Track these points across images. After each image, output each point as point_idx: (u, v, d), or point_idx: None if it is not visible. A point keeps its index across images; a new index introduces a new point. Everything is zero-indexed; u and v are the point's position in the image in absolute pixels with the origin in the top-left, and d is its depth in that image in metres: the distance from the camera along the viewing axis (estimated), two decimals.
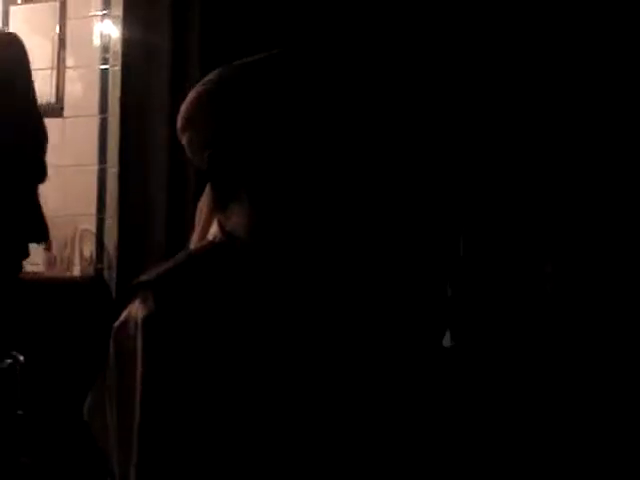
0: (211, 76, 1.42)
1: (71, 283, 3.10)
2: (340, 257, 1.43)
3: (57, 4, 3.27)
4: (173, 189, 2.94)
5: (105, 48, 3.15)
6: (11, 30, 3.36)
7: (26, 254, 1.28)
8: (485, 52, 2.70)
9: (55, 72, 3.23)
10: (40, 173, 1.29)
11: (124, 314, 1.36)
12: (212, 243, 1.43)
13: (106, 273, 3.10)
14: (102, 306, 2.98)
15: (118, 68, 3.09)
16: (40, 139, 1.29)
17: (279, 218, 1.37)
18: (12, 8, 3.37)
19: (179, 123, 1.45)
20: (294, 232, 1.37)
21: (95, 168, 3.15)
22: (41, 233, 1.27)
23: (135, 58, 3.03)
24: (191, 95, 1.43)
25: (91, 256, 3.13)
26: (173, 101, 2.92)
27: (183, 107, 1.44)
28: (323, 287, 1.41)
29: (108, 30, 3.15)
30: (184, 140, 1.45)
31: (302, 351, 1.36)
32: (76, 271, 3.16)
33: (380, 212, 2.48)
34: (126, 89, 3.05)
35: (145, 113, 3.00)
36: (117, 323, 1.36)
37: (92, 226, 3.14)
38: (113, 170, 3.09)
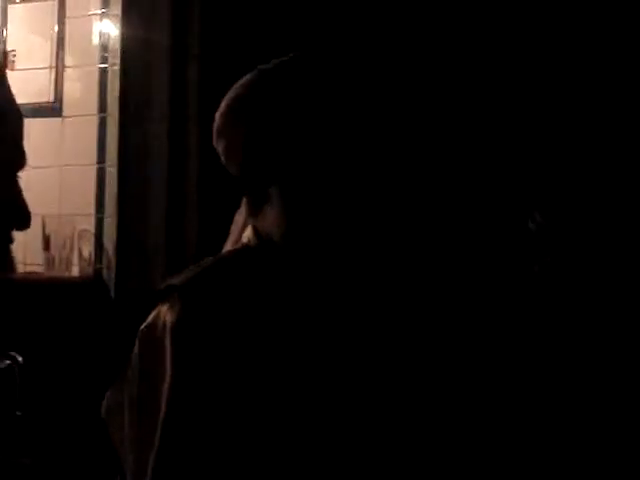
0: (241, 82, 1.44)
1: (70, 283, 3.09)
2: (373, 261, 1.42)
3: (55, 3, 3.26)
4: (172, 189, 2.93)
5: (104, 47, 3.14)
6: (10, 29, 3.35)
7: (9, 240, 1.26)
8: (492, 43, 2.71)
9: (54, 71, 3.22)
10: (19, 158, 1.28)
11: (151, 316, 1.36)
12: (245, 246, 1.43)
13: (105, 273, 3.09)
14: (101, 306, 2.98)
15: (117, 67, 3.08)
16: (17, 123, 1.28)
17: (311, 220, 1.37)
18: (10, 7, 3.36)
19: (214, 131, 1.46)
20: (326, 235, 1.37)
21: (94, 167, 3.14)
22: (23, 219, 1.25)
23: (134, 57, 3.02)
24: (223, 103, 1.45)
25: (90, 256, 3.13)
26: (172, 100, 2.92)
27: (217, 115, 1.46)
28: (356, 292, 1.40)
29: (107, 29, 3.14)
30: (220, 148, 1.46)
31: (336, 359, 1.35)
32: (75, 271, 3.15)
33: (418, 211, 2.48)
34: (125, 88, 3.04)
35: (144, 112, 2.99)
36: (144, 325, 1.36)
37: (91, 226, 3.13)
38: (112, 170, 3.08)
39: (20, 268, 3.22)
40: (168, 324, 1.32)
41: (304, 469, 1.31)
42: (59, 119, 3.22)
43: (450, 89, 2.72)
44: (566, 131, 2.57)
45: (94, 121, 3.15)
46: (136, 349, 1.36)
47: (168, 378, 1.30)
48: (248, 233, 1.44)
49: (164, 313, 1.34)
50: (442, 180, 2.70)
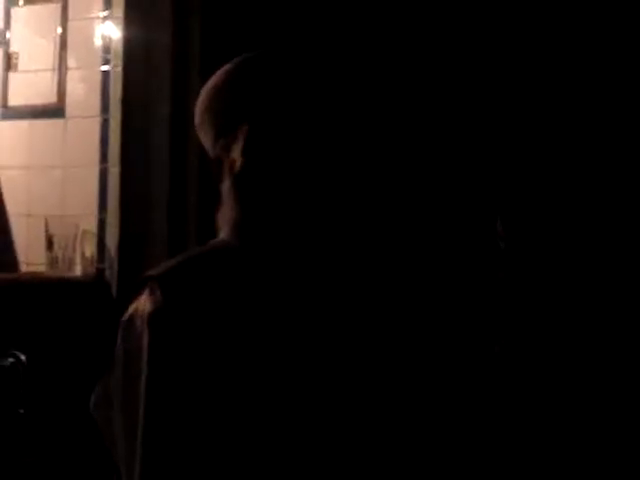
0: (227, 66, 1.46)
1: (72, 283, 3.11)
2: (330, 252, 1.43)
3: (58, 5, 3.27)
4: (175, 189, 2.95)
5: (106, 49, 3.16)
6: (13, 31, 3.37)
7: None
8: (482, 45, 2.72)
9: (57, 73, 3.24)
10: None
11: (131, 308, 1.37)
12: (222, 239, 1.46)
13: (107, 273, 3.11)
14: (103, 306, 2.99)
15: (119, 69, 3.10)
16: None
17: (264, 214, 1.39)
18: (13, 9, 3.38)
19: (197, 109, 1.48)
20: (280, 230, 1.39)
21: (96, 168, 3.15)
22: None
23: (136, 59, 3.04)
24: (207, 84, 1.47)
25: (92, 256, 3.14)
26: (174, 102, 2.93)
27: (200, 96, 1.48)
28: (320, 282, 1.41)
29: (109, 31, 3.16)
30: (200, 132, 1.49)
31: (311, 349, 1.36)
32: (77, 271, 3.16)
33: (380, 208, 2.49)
34: (127, 90, 3.06)
35: (146, 113, 3.01)
36: (124, 317, 1.37)
37: (93, 226, 3.15)
38: (114, 170, 3.10)
39: (23, 268, 3.24)
40: (146, 313, 1.34)
41: (284, 460, 1.32)
42: (62, 120, 3.24)
43: (427, 91, 2.74)
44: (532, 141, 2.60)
45: (97, 122, 3.16)
46: (119, 341, 1.37)
47: (145, 367, 1.32)
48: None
49: (143, 303, 1.35)
50: (412, 178, 2.72)
